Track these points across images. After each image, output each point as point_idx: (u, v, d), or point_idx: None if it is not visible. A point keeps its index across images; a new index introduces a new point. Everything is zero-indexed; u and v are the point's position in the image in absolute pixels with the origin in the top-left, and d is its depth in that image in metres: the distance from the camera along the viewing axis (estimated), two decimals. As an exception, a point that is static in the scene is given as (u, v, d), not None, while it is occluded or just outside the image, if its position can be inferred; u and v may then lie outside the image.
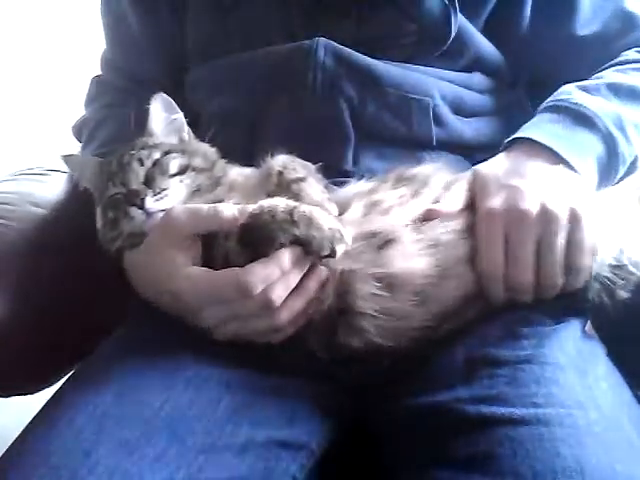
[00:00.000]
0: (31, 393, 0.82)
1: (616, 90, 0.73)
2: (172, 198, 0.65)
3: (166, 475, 0.53)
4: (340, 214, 0.66)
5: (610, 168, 0.70)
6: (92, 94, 0.95)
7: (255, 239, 0.60)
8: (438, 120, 0.76)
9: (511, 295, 0.65)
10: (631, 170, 0.73)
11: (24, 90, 1.89)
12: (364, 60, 0.74)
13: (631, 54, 0.79)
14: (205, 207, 0.63)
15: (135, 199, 0.64)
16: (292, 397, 0.64)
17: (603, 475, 0.51)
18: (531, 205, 0.63)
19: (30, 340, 0.75)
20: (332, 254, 0.60)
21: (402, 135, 0.75)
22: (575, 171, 0.67)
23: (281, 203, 0.61)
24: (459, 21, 0.74)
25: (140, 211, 0.64)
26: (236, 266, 0.60)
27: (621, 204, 0.71)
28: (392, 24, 0.75)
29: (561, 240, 0.63)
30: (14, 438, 0.58)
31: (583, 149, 0.69)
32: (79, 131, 0.93)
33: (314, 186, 0.66)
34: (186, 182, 0.67)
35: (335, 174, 0.72)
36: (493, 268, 0.64)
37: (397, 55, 0.75)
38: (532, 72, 0.85)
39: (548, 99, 0.74)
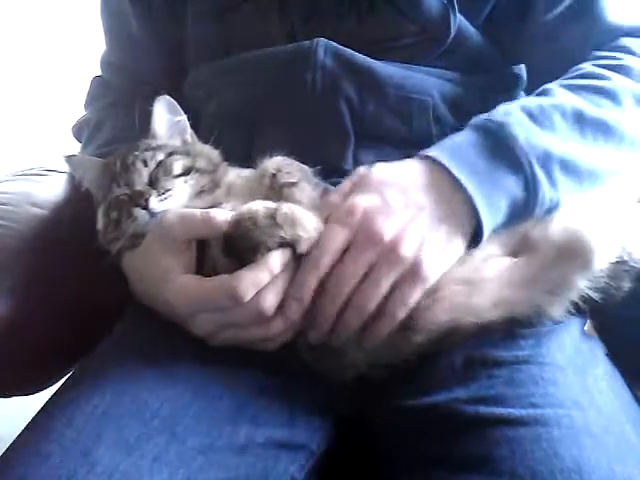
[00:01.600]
0: (31, 393, 0.82)
1: (562, 114, 0.66)
2: (176, 199, 0.65)
3: (166, 475, 0.53)
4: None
5: (526, 209, 0.63)
6: (92, 94, 0.95)
7: (239, 247, 0.60)
8: (438, 120, 0.76)
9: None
10: (550, 212, 0.65)
11: (24, 90, 1.89)
12: (364, 60, 0.74)
13: (587, 67, 0.73)
14: (199, 212, 0.62)
15: (139, 200, 0.64)
16: (292, 397, 0.64)
17: (601, 475, 0.52)
18: (389, 230, 0.59)
19: (30, 340, 0.75)
20: None
21: (402, 135, 0.75)
22: (477, 212, 0.60)
23: (260, 207, 0.60)
24: (458, 21, 0.74)
25: (144, 212, 0.64)
26: (222, 273, 0.60)
27: (621, 203, 0.71)
28: (391, 25, 0.75)
29: (389, 280, 0.58)
30: (14, 438, 0.58)
31: (498, 190, 0.61)
32: (79, 131, 0.93)
33: (305, 192, 0.65)
34: (190, 183, 0.66)
35: (335, 174, 0.72)
36: (312, 261, 0.59)
37: (397, 55, 0.75)
38: (528, 69, 0.84)
39: (483, 115, 0.66)
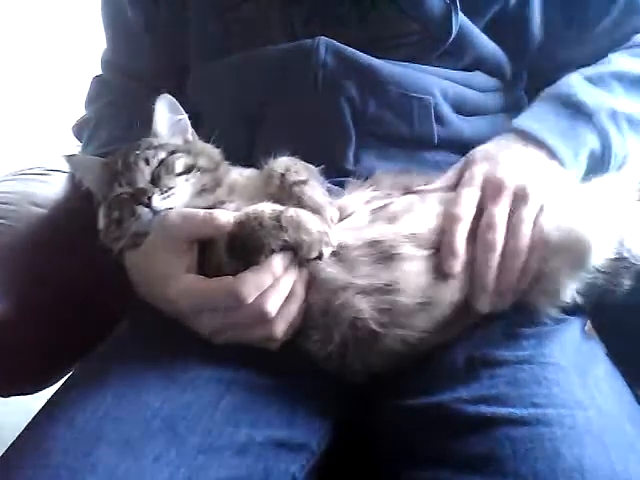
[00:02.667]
0: (31, 393, 0.82)
1: (620, 78, 0.75)
2: (178, 197, 0.65)
3: (166, 475, 0.53)
4: (342, 219, 0.66)
5: (603, 162, 0.72)
6: (93, 94, 0.95)
7: (243, 247, 0.60)
8: (440, 119, 0.76)
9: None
10: (621, 165, 0.74)
11: (24, 90, 1.89)
12: (365, 59, 0.74)
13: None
14: (201, 212, 0.62)
15: (142, 198, 0.64)
16: (292, 397, 0.64)
17: (603, 475, 0.52)
18: (508, 177, 0.66)
19: (30, 340, 0.75)
20: (320, 257, 0.60)
21: (403, 134, 0.75)
22: (564, 165, 0.69)
23: (267, 209, 0.61)
24: (460, 21, 0.74)
25: (147, 210, 0.64)
26: (228, 274, 0.60)
27: (620, 196, 0.71)
28: (393, 23, 0.75)
29: (530, 215, 0.65)
30: (14, 438, 0.58)
31: (578, 144, 0.70)
32: (79, 131, 0.93)
33: (316, 189, 0.65)
34: (192, 181, 0.67)
35: (336, 173, 0.72)
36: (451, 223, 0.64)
37: (398, 54, 0.75)
38: (533, 64, 0.84)
39: (551, 87, 0.75)
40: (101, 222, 0.69)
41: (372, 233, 0.64)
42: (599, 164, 0.72)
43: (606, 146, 0.71)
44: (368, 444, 0.66)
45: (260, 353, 0.63)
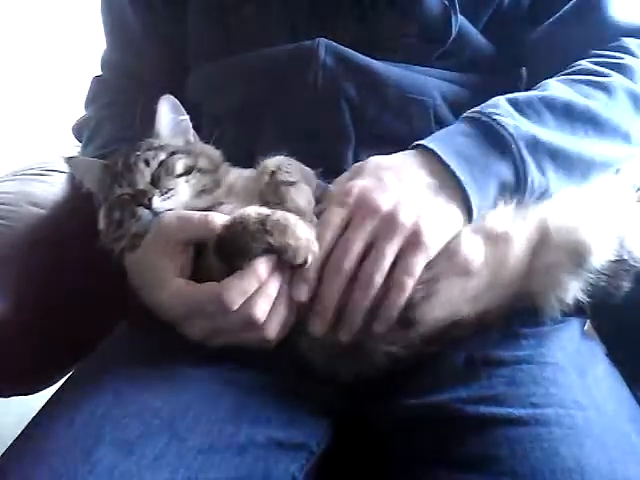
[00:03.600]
0: (31, 393, 0.82)
1: (550, 106, 0.67)
2: (178, 198, 0.65)
3: (166, 475, 0.53)
4: None
5: (516, 194, 0.64)
6: (92, 94, 0.95)
7: (230, 251, 0.60)
8: (439, 120, 0.76)
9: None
10: (540, 199, 0.66)
11: (24, 90, 1.89)
12: (365, 60, 0.74)
13: (585, 64, 0.73)
14: (197, 215, 0.62)
15: (142, 199, 0.64)
16: (292, 397, 0.64)
17: (602, 475, 0.52)
18: (385, 202, 0.60)
19: (30, 340, 0.75)
20: (305, 263, 0.59)
21: (403, 135, 0.75)
22: (466, 193, 0.61)
23: (253, 212, 0.60)
24: (459, 22, 0.74)
25: (147, 211, 0.64)
26: (217, 279, 0.59)
27: (620, 198, 0.71)
28: (392, 25, 0.75)
29: (392, 248, 0.59)
30: (14, 438, 0.58)
31: (487, 176, 0.63)
32: (79, 131, 0.93)
33: (302, 193, 0.65)
34: (192, 182, 0.67)
35: (335, 174, 0.72)
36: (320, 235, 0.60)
37: (398, 55, 0.75)
38: (528, 70, 0.84)
39: (472, 109, 0.68)
40: (102, 223, 0.69)
41: None
42: (511, 196, 0.64)
43: (521, 178, 0.63)
44: (367, 444, 0.66)
45: (259, 353, 0.63)
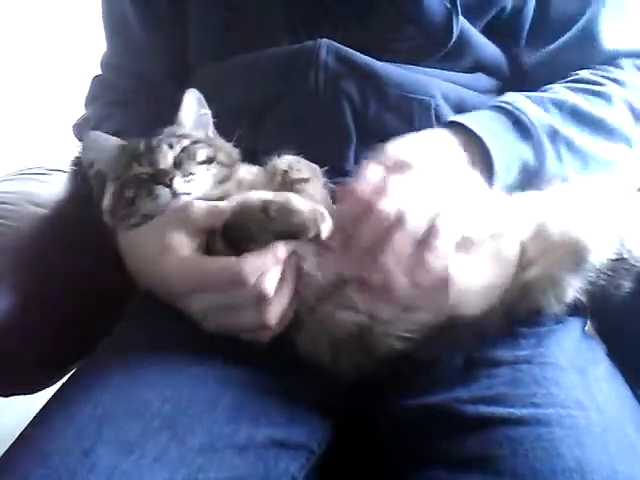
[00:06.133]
0: (31, 393, 0.82)
1: (559, 106, 0.71)
2: (199, 184, 0.66)
3: (166, 475, 0.53)
4: None
5: (534, 178, 0.68)
6: (93, 93, 0.95)
7: (237, 237, 0.61)
8: (440, 120, 0.76)
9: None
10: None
11: (24, 90, 1.89)
12: (366, 61, 0.74)
13: (584, 74, 0.77)
14: (222, 204, 0.63)
15: (164, 178, 0.64)
16: (292, 397, 0.64)
17: (603, 475, 0.52)
18: (391, 205, 0.58)
19: (30, 340, 0.75)
20: (319, 234, 0.60)
21: (404, 135, 0.75)
22: (492, 166, 0.64)
23: (255, 200, 0.61)
24: (461, 23, 0.74)
25: (167, 190, 0.64)
26: None
27: (619, 196, 0.71)
28: (393, 27, 0.75)
29: (401, 246, 0.58)
30: (14, 438, 0.58)
31: (511, 151, 0.67)
32: (79, 131, 0.93)
33: (317, 188, 0.66)
34: (212, 172, 0.67)
35: (336, 174, 0.72)
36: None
37: (399, 56, 0.75)
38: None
39: (492, 101, 0.72)
40: (108, 200, 0.69)
41: None
42: (528, 179, 0.68)
43: (542, 163, 0.68)
44: (368, 444, 0.66)
45: (259, 352, 0.63)
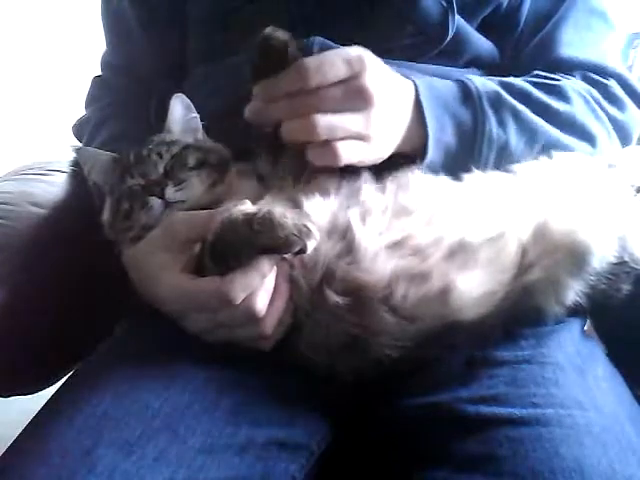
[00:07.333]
0: (31, 393, 0.82)
1: (508, 87, 0.73)
2: (191, 190, 0.66)
3: (166, 475, 0.53)
4: None
5: (474, 142, 0.70)
6: (93, 94, 0.95)
7: (223, 254, 0.59)
8: None
9: None
10: (501, 157, 0.71)
11: (25, 90, 1.89)
12: None
13: (538, 72, 0.78)
14: (205, 214, 0.62)
15: (155, 189, 0.65)
16: (292, 397, 0.64)
17: (603, 475, 0.52)
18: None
19: (30, 340, 0.75)
20: (304, 249, 0.57)
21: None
22: (424, 117, 0.67)
23: (239, 214, 0.59)
24: (457, 21, 0.75)
25: (160, 201, 0.64)
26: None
27: (620, 198, 0.71)
28: (390, 26, 0.75)
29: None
30: (14, 437, 0.58)
31: (446, 108, 0.69)
32: (79, 131, 0.93)
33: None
34: (203, 177, 0.67)
35: (332, 171, 0.72)
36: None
37: (395, 55, 0.75)
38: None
39: None
40: (107, 214, 0.69)
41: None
42: (468, 144, 0.70)
43: (479, 124, 0.69)
44: (368, 444, 0.66)
45: (259, 353, 0.63)
